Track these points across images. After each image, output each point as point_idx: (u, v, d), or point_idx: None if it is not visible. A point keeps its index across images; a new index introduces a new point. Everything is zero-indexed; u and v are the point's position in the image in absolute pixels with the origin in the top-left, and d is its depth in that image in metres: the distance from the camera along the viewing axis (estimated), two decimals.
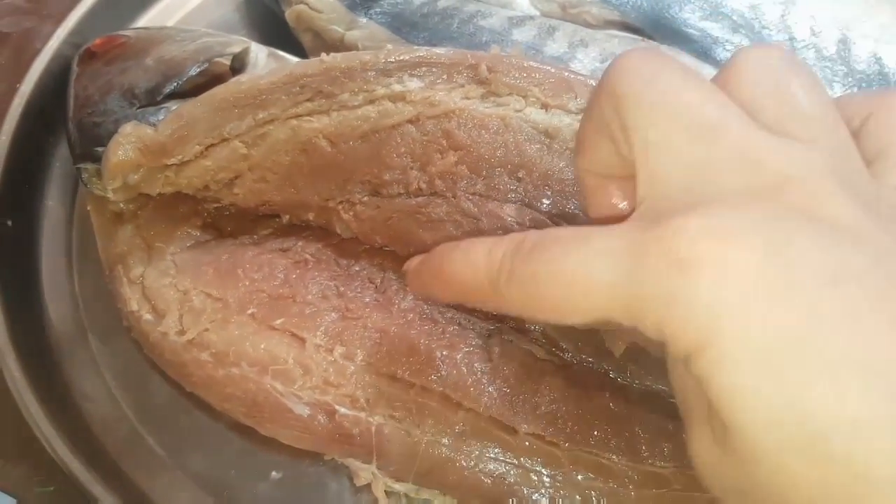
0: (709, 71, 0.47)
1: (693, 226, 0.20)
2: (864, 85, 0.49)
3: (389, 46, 0.39)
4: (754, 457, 0.19)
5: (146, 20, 0.58)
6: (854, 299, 0.19)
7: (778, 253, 0.19)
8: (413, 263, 0.31)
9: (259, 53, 0.47)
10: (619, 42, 0.49)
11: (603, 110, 0.25)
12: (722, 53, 0.49)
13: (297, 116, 0.39)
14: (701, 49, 0.49)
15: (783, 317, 0.19)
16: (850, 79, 0.49)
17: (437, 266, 0.28)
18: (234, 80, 0.39)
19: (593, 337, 0.39)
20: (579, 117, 0.37)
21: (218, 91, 0.38)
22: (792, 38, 0.49)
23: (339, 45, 0.50)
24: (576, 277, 0.22)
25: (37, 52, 0.51)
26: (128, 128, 0.39)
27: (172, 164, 0.39)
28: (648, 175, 0.23)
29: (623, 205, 0.26)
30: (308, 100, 0.38)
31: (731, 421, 0.19)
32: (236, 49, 0.46)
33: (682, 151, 0.23)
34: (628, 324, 0.21)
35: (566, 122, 0.37)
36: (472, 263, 0.26)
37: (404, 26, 0.51)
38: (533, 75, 0.38)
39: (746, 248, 0.19)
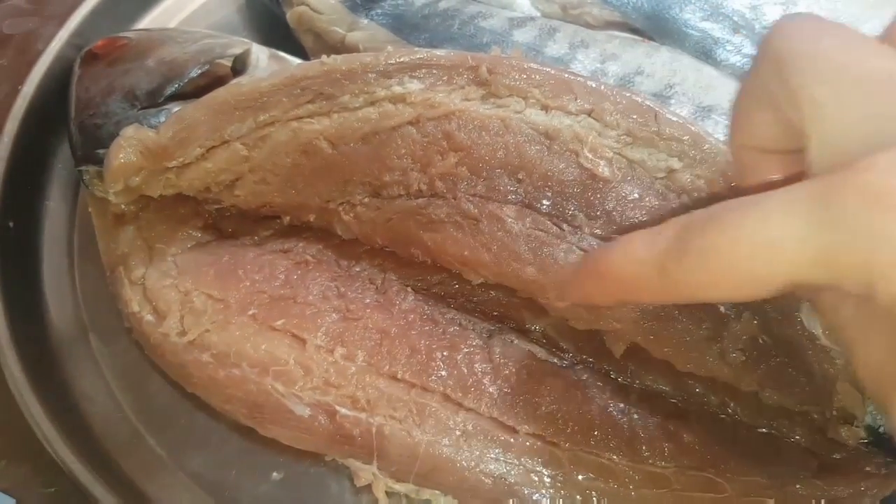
0: (709, 72, 0.47)
1: (886, 160, 0.19)
2: None
3: (390, 48, 0.39)
4: None
5: (148, 21, 0.58)
6: None
7: None
8: (567, 273, 0.30)
9: (260, 55, 0.47)
10: (619, 43, 0.49)
11: (764, 77, 0.24)
12: (723, 54, 0.49)
13: (298, 118, 0.39)
14: (702, 49, 0.49)
15: None
16: None
17: (594, 268, 0.26)
18: (234, 82, 0.39)
19: (594, 337, 0.39)
20: (579, 119, 0.37)
21: (219, 93, 0.39)
22: None
23: (339, 47, 0.50)
24: (760, 239, 0.20)
25: (39, 54, 0.51)
26: (129, 130, 0.39)
27: (174, 167, 0.40)
28: (821, 134, 0.22)
29: (783, 180, 0.25)
30: (309, 102, 0.39)
31: None
32: (237, 50, 0.46)
33: (855, 105, 0.22)
34: (824, 280, 0.20)
35: (566, 124, 0.37)
36: (634, 254, 0.24)
37: (405, 27, 0.51)
38: (533, 77, 0.38)
39: None
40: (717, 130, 0.44)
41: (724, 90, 0.46)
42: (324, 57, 0.38)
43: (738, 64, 0.49)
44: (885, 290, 0.18)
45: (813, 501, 0.36)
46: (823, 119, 0.22)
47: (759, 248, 0.20)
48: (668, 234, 0.23)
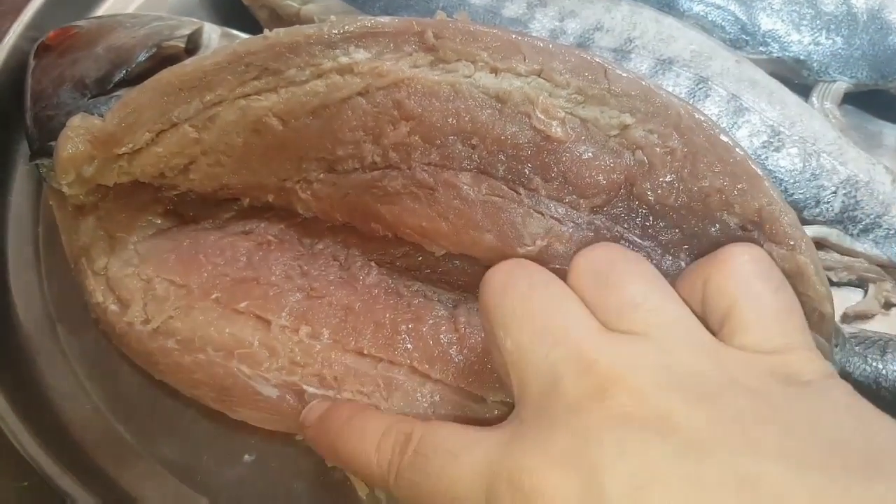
0: (669, 23, 0.46)
1: (528, 460, 0.22)
2: (832, 27, 0.47)
3: (332, 18, 0.38)
4: None
5: (105, 9, 0.57)
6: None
7: (592, 475, 0.21)
8: (312, 415, 0.33)
9: (212, 34, 0.47)
10: None
11: (483, 324, 0.28)
12: (685, 4, 0.48)
13: (245, 96, 0.38)
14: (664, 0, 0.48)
15: None
16: (818, 21, 0.48)
17: (331, 440, 0.30)
18: (179, 63, 0.38)
19: None
20: (529, 80, 0.36)
21: (162, 75, 0.38)
22: None
23: (295, 20, 0.49)
24: (448, 498, 0.24)
25: None
26: (75, 120, 0.38)
27: (124, 154, 0.39)
28: (515, 380, 0.25)
29: None
30: (254, 78, 0.38)
31: None
32: (186, 31, 0.45)
33: (534, 358, 0.25)
34: None
35: (516, 86, 0.36)
36: (365, 452, 0.28)
37: None
38: (480, 39, 0.37)
39: (566, 479, 0.21)
40: (678, 83, 0.44)
41: (684, 41, 0.45)
42: (266, 31, 0.38)
43: (702, 13, 0.48)
44: None
45: None
46: (512, 367, 0.25)
47: (446, 500, 0.24)
48: (391, 443, 0.27)
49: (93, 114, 0.40)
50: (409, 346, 0.38)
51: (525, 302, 0.26)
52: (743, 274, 0.27)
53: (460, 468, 0.24)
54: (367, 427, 0.29)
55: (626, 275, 0.27)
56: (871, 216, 0.42)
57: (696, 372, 0.23)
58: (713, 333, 0.26)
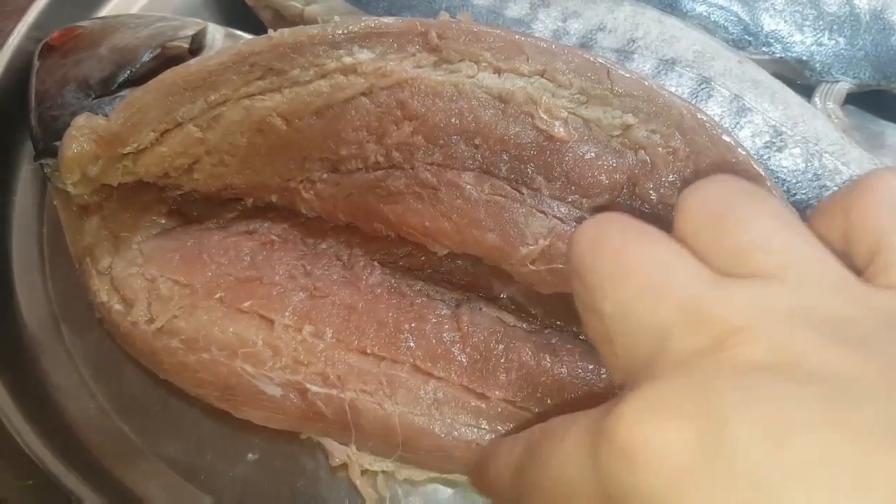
0: (672, 23, 0.46)
1: (631, 412, 0.19)
2: (835, 28, 0.47)
3: (336, 18, 0.38)
4: None
5: (109, 9, 0.57)
6: (793, 465, 0.17)
7: (712, 424, 0.18)
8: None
9: (216, 34, 0.47)
10: None
11: (575, 288, 0.25)
12: (688, 4, 0.48)
13: (250, 96, 0.38)
14: (667, 1, 0.48)
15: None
16: (820, 22, 0.48)
17: (481, 478, 0.29)
18: (183, 64, 0.39)
19: (562, 300, 0.38)
20: (532, 80, 0.37)
21: (167, 75, 0.38)
22: None
23: (298, 20, 0.49)
24: (561, 482, 0.22)
25: None
26: (80, 120, 0.38)
27: (129, 153, 0.39)
28: (620, 350, 0.23)
29: None
30: (259, 78, 0.38)
31: None
32: (190, 32, 0.45)
33: (639, 320, 0.22)
34: None
35: (519, 86, 0.36)
36: (498, 471, 0.27)
37: None
38: (483, 39, 0.37)
39: (679, 430, 0.18)
40: (681, 83, 0.44)
41: (687, 41, 0.45)
42: (270, 31, 0.38)
43: (705, 13, 0.48)
44: None
45: None
46: (615, 332, 0.22)
47: (563, 491, 0.22)
48: (520, 449, 0.26)
49: (97, 114, 0.40)
50: (411, 344, 0.38)
51: (620, 258, 0.23)
52: (893, 201, 0.23)
53: (564, 449, 0.22)
54: (499, 451, 0.27)
55: (746, 213, 0.23)
56: None
57: (836, 315, 0.20)
58: (858, 274, 0.22)
